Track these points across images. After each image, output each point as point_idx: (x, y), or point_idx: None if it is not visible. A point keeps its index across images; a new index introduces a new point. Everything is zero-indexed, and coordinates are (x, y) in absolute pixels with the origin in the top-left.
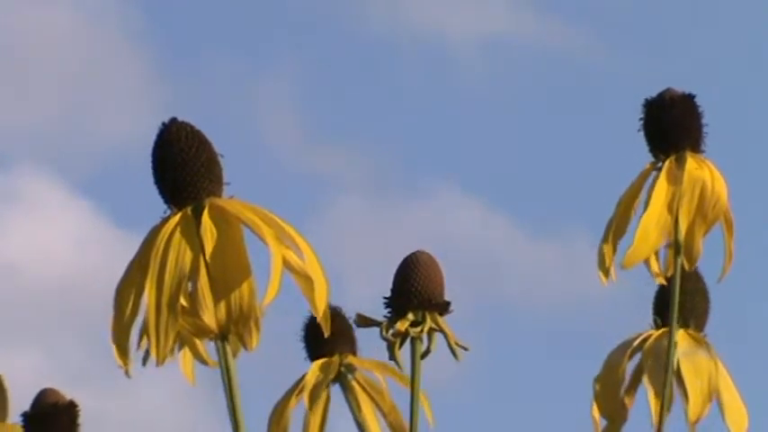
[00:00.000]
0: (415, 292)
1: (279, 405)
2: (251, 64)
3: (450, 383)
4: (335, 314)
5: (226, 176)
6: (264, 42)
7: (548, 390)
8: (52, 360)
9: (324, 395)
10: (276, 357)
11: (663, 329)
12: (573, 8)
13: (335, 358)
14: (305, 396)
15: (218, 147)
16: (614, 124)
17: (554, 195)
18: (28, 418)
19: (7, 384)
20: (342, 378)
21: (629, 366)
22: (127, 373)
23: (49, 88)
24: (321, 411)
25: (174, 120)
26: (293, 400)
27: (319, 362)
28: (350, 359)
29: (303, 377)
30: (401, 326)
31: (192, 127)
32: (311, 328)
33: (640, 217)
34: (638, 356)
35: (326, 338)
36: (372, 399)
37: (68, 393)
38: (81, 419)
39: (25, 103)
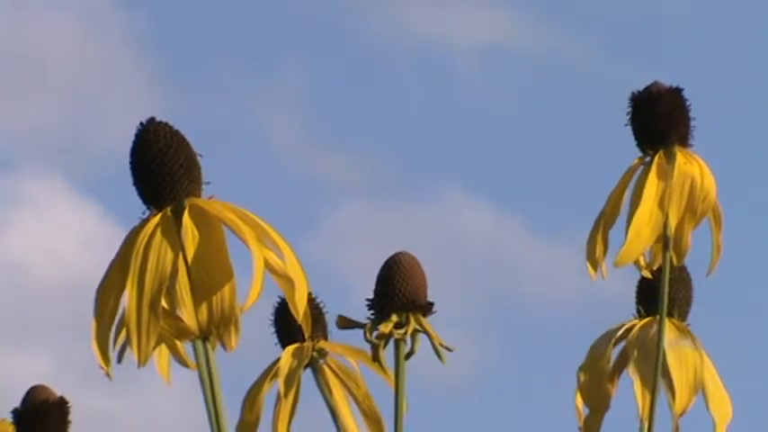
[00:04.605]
0: (398, 293)
1: (252, 390)
2: (254, 68)
3: (464, 383)
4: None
5: (226, 178)
6: (267, 46)
7: (561, 390)
8: (60, 360)
9: (296, 380)
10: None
11: (646, 319)
12: (573, 15)
13: (308, 343)
14: (280, 382)
15: (221, 150)
16: (615, 127)
17: (558, 197)
18: (19, 414)
19: None
20: (314, 363)
21: (612, 356)
22: (108, 374)
23: (55, 90)
24: (293, 396)
25: (152, 120)
26: (266, 386)
27: (292, 347)
28: (322, 344)
29: (276, 362)
30: (385, 328)
31: (170, 127)
32: (283, 314)
33: (629, 211)
34: (620, 346)
35: (298, 324)
36: (345, 384)
37: (75, 394)
38: (71, 416)
39: (31, 105)
